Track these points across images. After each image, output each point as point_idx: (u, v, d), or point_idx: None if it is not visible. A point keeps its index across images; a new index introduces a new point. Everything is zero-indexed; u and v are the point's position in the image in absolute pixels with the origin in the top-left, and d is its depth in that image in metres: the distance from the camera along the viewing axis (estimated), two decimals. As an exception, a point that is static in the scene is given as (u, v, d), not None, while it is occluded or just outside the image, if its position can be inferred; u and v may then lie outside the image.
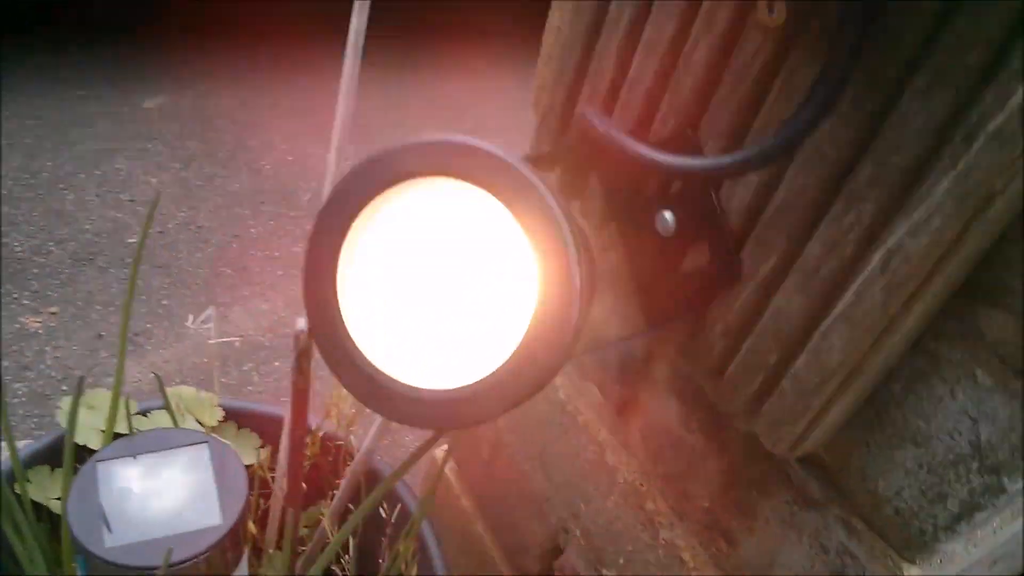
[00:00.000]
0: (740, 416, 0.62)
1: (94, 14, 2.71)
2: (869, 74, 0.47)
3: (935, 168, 0.45)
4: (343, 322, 0.53)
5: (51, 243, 1.88)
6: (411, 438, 1.60)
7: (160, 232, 2.00)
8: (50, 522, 0.82)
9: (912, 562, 0.58)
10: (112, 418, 0.81)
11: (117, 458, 0.74)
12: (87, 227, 1.95)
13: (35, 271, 1.81)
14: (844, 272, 0.51)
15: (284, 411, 0.85)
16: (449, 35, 3.14)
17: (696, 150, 0.58)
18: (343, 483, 0.79)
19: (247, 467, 0.83)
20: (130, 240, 1.96)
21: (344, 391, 0.90)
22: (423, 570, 0.84)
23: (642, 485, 0.79)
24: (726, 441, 0.69)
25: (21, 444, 0.86)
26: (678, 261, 0.61)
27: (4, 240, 1.84)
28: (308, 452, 0.90)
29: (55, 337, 1.69)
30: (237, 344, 1.79)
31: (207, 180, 2.19)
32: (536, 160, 0.62)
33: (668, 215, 0.59)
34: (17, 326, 1.69)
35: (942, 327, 0.52)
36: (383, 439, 0.82)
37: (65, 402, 0.83)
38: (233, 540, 0.72)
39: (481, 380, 0.50)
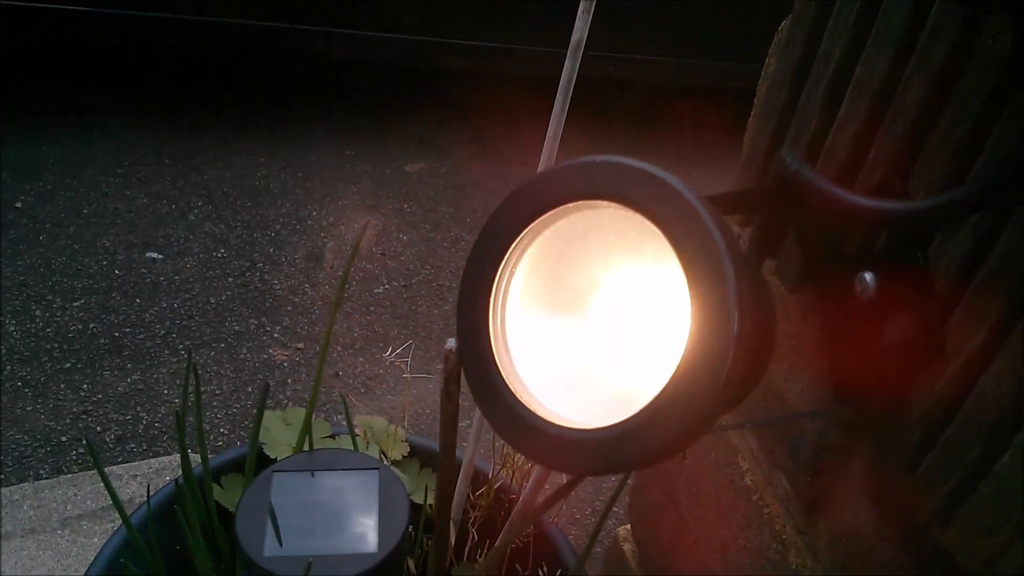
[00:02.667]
0: (933, 521, 0.53)
1: (369, 83, 2.96)
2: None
3: None
4: (492, 348, 0.50)
5: (307, 285, 2.02)
6: (588, 500, 1.54)
7: (404, 286, 2.10)
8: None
9: None
10: (302, 436, 0.84)
11: (293, 471, 0.76)
12: (340, 274, 2.08)
13: (289, 309, 1.95)
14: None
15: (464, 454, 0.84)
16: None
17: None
18: (501, 536, 0.76)
19: (418, 506, 0.83)
20: (376, 290, 2.07)
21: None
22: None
23: (827, 595, 0.70)
24: (923, 555, 0.59)
25: (218, 455, 0.92)
26: (878, 331, 0.54)
27: (266, 278, 2.01)
28: (482, 503, 0.88)
29: (297, 370, 1.81)
30: (461, 400, 1.82)
31: (453, 242, 2.28)
32: (723, 200, 0.57)
33: (868, 276, 0.52)
34: (265, 356, 1.82)
35: None
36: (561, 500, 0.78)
37: (267, 416, 0.87)
38: (386, 571, 0.71)
39: (620, 423, 0.46)
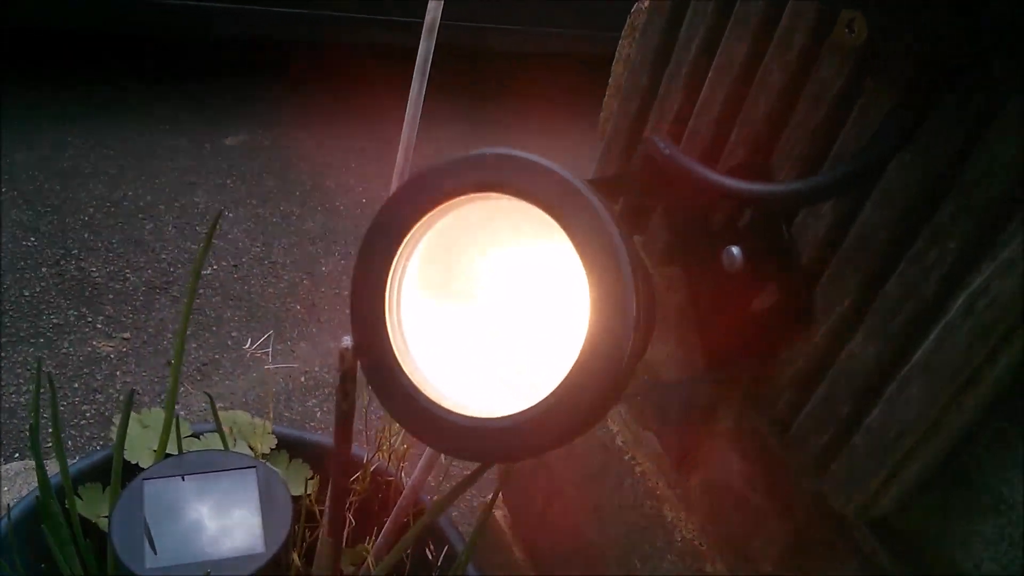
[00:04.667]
0: (807, 473, 0.57)
1: (182, 55, 2.82)
2: (956, 100, 0.44)
3: (1028, 203, 0.41)
4: (390, 342, 0.50)
5: (128, 271, 1.92)
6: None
7: (234, 266, 2.03)
8: (99, 539, 0.81)
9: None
10: (164, 438, 0.80)
11: (164, 477, 0.73)
12: (163, 256, 1.98)
13: (110, 297, 1.84)
14: (924, 316, 0.47)
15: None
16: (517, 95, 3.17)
17: (767, 180, 0.55)
18: (388, 521, 0.77)
19: (296, 498, 0.81)
20: (204, 272, 1.98)
21: (396, 424, 0.88)
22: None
23: (701, 545, 0.75)
24: (791, 502, 0.64)
25: (74, 461, 0.86)
26: (745, 300, 0.58)
27: (82, 265, 1.89)
28: (358, 487, 0.88)
29: (126, 362, 1.72)
30: (303, 379, 1.79)
31: (283, 217, 2.22)
32: (595, 185, 0.59)
33: (735, 250, 0.56)
34: (89, 349, 1.72)
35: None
36: (438, 478, 0.79)
37: (119, 419, 0.83)
38: (275, 569, 0.70)
39: (527, 410, 0.47)
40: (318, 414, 1.77)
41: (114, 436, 1.55)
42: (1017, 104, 0.41)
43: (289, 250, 2.12)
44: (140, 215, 2.08)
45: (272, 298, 1.98)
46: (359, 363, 0.52)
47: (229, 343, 1.85)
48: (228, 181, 2.28)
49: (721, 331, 0.60)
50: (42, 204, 2.01)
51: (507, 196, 0.47)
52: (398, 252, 0.50)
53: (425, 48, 0.79)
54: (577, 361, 0.46)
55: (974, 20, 0.42)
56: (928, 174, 0.45)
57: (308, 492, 0.85)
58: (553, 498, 0.94)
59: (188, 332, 1.82)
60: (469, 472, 0.68)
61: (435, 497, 0.88)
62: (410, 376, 0.50)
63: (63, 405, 1.59)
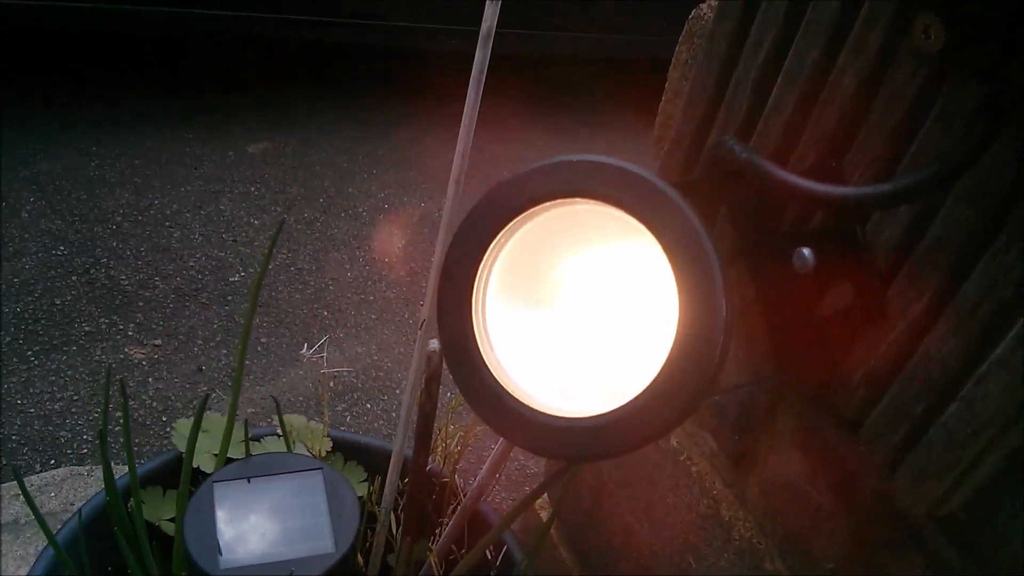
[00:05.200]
0: (876, 472, 0.58)
1: (202, 61, 2.83)
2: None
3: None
4: (476, 345, 0.52)
5: (157, 278, 1.93)
6: (511, 474, 1.57)
7: (261, 272, 2.04)
8: (161, 541, 0.82)
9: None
10: (225, 442, 0.81)
11: (233, 479, 0.74)
12: (191, 264, 2.00)
13: (141, 304, 1.86)
14: (1004, 314, 0.48)
15: (390, 445, 0.85)
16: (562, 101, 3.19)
17: (839, 182, 0.56)
18: (452, 522, 0.78)
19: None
20: (232, 279, 2.00)
21: (450, 428, 0.89)
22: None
23: (760, 543, 0.75)
24: (856, 499, 0.65)
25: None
26: (816, 301, 0.59)
27: (112, 273, 1.90)
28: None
29: (157, 369, 1.73)
30: (332, 384, 1.80)
31: (307, 224, 2.23)
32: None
33: (807, 251, 0.57)
34: (122, 356, 1.73)
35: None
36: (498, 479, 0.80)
37: (181, 424, 0.84)
38: (345, 568, 0.71)
39: (617, 409, 0.48)
40: (348, 419, 1.78)
41: (150, 444, 1.56)
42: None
43: (315, 256, 2.13)
44: (167, 223, 2.09)
45: (299, 304, 1.99)
46: (446, 365, 0.53)
47: (259, 348, 1.86)
48: (252, 188, 2.30)
49: (791, 332, 0.62)
50: (70, 213, 2.03)
51: (592, 202, 0.48)
52: (484, 258, 0.51)
53: (480, 58, 0.80)
54: (667, 361, 0.47)
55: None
56: (1010, 173, 0.46)
57: (370, 492, 0.86)
58: (601, 497, 0.95)
59: (218, 339, 1.84)
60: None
61: (484, 498, 0.89)
62: (497, 376, 0.51)
63: (97, 412, 1.61)
